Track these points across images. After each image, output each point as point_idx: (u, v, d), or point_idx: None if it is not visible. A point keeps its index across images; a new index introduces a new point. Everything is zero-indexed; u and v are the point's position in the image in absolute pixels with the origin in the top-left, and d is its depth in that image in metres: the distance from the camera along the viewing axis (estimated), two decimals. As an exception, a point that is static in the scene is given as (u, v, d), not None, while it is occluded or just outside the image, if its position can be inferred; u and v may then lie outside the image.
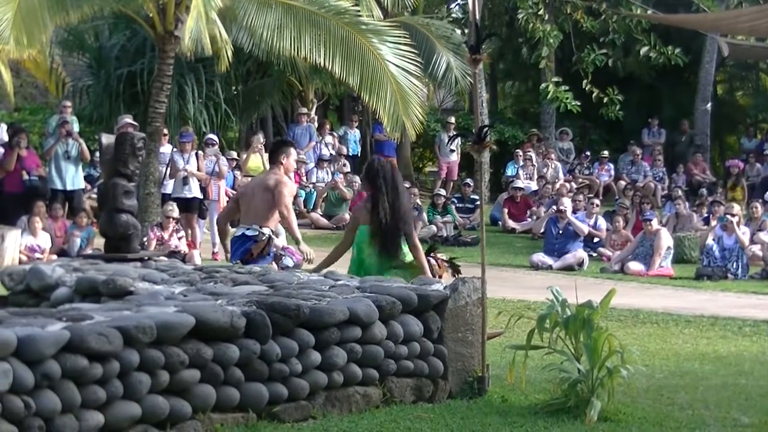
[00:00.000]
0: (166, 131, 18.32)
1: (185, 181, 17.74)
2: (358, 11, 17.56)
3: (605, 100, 26.38)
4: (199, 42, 15.28)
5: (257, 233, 10.05)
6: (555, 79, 26.46)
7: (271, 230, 10.17)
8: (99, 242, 13.70)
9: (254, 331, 6.12)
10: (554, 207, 19.75)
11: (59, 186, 18.32)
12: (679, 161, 27.48)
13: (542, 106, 28.73)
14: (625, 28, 27.36)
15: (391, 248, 9.21)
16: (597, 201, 20.88)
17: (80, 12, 16.05)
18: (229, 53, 16.44)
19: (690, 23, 24.52)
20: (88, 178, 20.26)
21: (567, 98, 25.51)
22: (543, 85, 26.43)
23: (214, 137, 19.49)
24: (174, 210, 16.62)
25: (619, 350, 6.94)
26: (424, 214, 21.18)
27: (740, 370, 9.52)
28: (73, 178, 18.50)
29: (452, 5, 34.28)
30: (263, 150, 19.48)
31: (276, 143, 11.80)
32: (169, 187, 18.03)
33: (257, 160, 19.01)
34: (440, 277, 9.36)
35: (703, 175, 26.75)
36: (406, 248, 9.27)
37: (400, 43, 16.98)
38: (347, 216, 19.50)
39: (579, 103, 25.62)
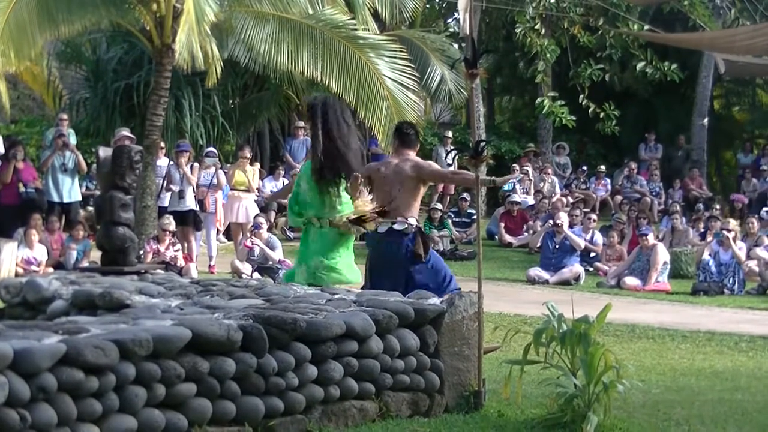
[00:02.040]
0: (163, 144, 18.33)
1: (181, 194, 17.73)
2: (355, 25, 17.60)
3: (601, 115, 26.45)
4: (191, 55, 15.26)
5: (406, 226, 9.25)
6: (551, 93, 26.52)
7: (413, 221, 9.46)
8: (95, 255, 13.69)
9: (251, 344, 6.11)
10: (551, 221, 19.77)
11: (56, 198, 18.32)
12: (676, 176, 27.50)
13: (539, 121, 28.80)
14: (622, 43, 27.44)
15: (323, 184, 9.27)
16: (593, 216, 20.90)
17: (71, 27, 16.05)
18: (218, 69, 16.43)
19: (687, 42, 24.61)
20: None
21: (562, 113, 25.57)
22: (539, 99, 26.50)
23: (214, 150, 19.50)
24: (170, 223, 16.61)
25: (615, 365, 6.94)
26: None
27: (736, 386, 9.51)
28: (70, 190, 18.51)
29: (450, 20, 34.37)
30: (248, 164, 19.46)
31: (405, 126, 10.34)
32: (166, 200, 18.03)
33: (242, 175, 19.01)
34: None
35: (700, 190, 26.79)
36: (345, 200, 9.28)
37: (396, 58, 17.01)
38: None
39: (574, 118, 25.68)
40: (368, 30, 18.72)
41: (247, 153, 19.76)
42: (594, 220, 20.39)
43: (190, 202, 17.78)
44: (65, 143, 18.36)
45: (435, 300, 7.56)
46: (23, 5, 14.85)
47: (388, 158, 9.94)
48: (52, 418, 5.15)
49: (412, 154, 9.52)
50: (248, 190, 19.04)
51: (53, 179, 18.32)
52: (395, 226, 9.20)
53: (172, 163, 18.16)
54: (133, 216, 9.44)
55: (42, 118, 25.76)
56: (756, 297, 17.15)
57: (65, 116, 19.54)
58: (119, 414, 5.51)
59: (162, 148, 18.16)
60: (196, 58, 15.27)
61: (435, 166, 9.93)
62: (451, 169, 10.23)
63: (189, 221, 17.69)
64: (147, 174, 16.50)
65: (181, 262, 16.29)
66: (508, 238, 22.65)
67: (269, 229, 18.18)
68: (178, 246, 16.61)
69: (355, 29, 17.37)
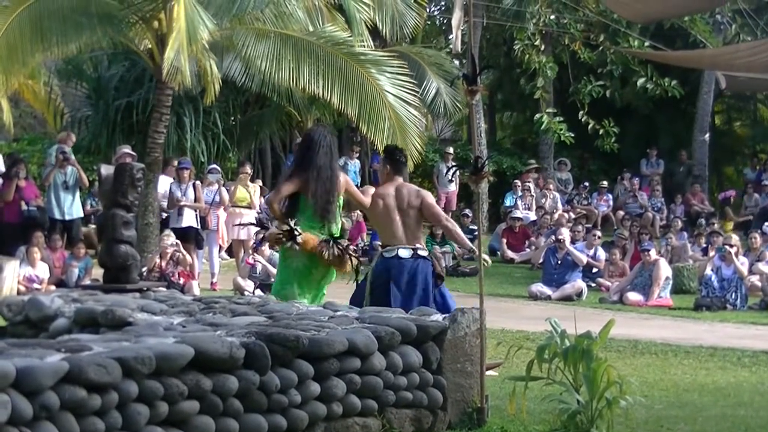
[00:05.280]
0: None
1: (179, 211, 17.75)
2: (353, 41, 17.59)
3: (601, 131, 26.47)
4: (180, 72, 15.21)
5: (426, 253, 9.90)
6: (549, 109, 26.56)
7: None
8: (97, 272, 13.68)
9: (253, 362, 6.10)
10: (553, 237, 19.76)
11: (58, 215, 18.30)
12: (678, 191, 27.52)
13: (540, 137, 28.81)
14: (623, 59, 27.49)
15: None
16: (598, 232, 20.82)
17: (66, 48, 16.05)
18: (217, 87, 16.45)
19: (688, 61, 24.66)
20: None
21: (561, 129, 25.61)
22: (537, 115, 26.53)
23: (217, 167, 19.53)
24: (170, 236, 16.63)
25: (618, 381, 6.93)
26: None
27: (739, 401, 9.50)
28: (71, 206, 18.49)
29: (450, 36, 34.40)
30: (249, 180, 19.48)
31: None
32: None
33: (243, 191, 19.02)
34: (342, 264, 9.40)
35: (702, 206, 26.77)
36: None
37: (398, 74, 17.01)
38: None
39: (573, 135, 25.73)
40: (364, 45, 18.72)
41: (248, 169, 19.77)
42: (599, 237, 20.36)
43: (188, 219, 17.78)
44: (66, 158, 18.35)
45: (437, 317, 7.55)
46: (16, 28, 14.83)
47: (383, 187, 10.08)
48: (55, 436, 5.15)
49: (401, 180, 9.96)
50: (249, 207, 19.03)
51: (55, 196, 18.30)
52: (420, 252, 9.70)
53: (173, 180, 18.16)
54: (135, 233, 9.42)
55: (44, 136, 25.78)
56: (758, 312, 17.15)
57: (73, 136, 19.62)
58: (122, 432, 5.51)
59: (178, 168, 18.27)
60: (184, 76, 15.25)
61: (437, 208, 10.22)
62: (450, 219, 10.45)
63: (190, 238, 17.69)
64: (149, 191, 16.51)
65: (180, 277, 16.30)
66: (510, 254, 22.65)
67: (271, 246, 18.18)
68: (179, 256, 16.54)
69: (362, 45, 17.40)
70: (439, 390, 7.24)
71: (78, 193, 18.83)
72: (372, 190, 10.07)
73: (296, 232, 9.23)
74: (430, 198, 10.06)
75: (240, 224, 17.77)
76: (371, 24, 20.49)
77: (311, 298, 9.38)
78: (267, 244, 16.83)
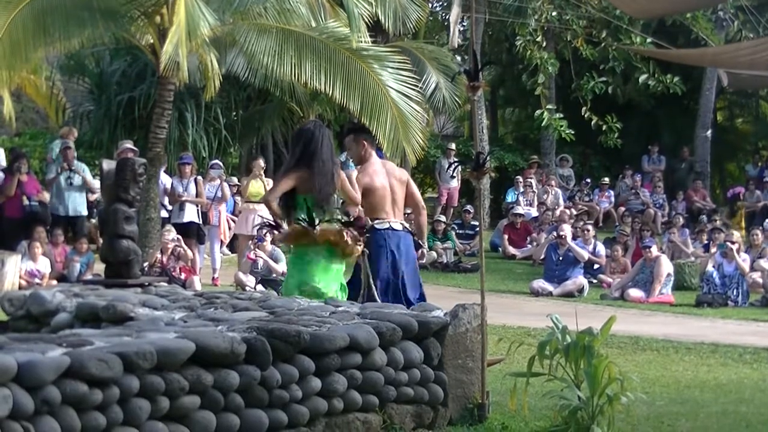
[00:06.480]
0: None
1: (181, 206, 17.75)
2: (358, 37, 17.58)
3: (604, 127, 26.48)
4: (178, 66, 15.19)
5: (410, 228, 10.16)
6: (549, 106, 26.56)
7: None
8: (99, 267, 13.68)
9: (254, 357, 6.10)
10: (554, 233, 19.75)
11: (61, 212, 18.31)
12: (679, 188, 27.51)
13: (542, 133, 28.82)
14: (625, 55, 27.49)
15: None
16: (590, 227, 20.67)
17: (68, 43, 16.05)
18: (218, 82, 16.44)
19: (690, 59, 24.65)
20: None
21: (561, 126, 25.61)
22: (538, 111, 26.53)
23: (219, 162, 19.51)
24: (171, 231, 16.64)
25: (619, 377, 6.92)
26: (424, 241, 21.11)
27: (741, 398, 9.49)
28: (76, 204, 18.48)
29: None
30: (263, 175, 19.43)
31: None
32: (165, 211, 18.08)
33: (258, 185, 18.98)
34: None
35: (703, 202, 26.77)
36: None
37: (400, 69, 17.00)
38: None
39: (573, 131, 25.73)
40: (362, 42, 18.73)
41: (263, 163, 19.70)
42: (589, 231, 20.25)
43: (189, 215, 17.78)
44: (70, 163, 18.29)
45: (438, 312, 7.55)
46: (18, 23, 14.83)
47: (371, 168, 10.10)
48: (56, 431, 5.14)
49: (376, 155, 10.30)
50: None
51: (59, 194, 18.30)
52: (406, 226, 9.99)
53: (174, 175, 18.16)
54: (137, 228, 9.42)
55: (46, 131, 25.81)
56: (760, 309, 17.13)
57: (75, 131, 19.62)
58: (123, 427, 5.49)
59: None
60: (183, 70, 15.25)
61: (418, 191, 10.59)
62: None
63: (192, 234, 17.69)
64: (150, 186, 16.51)
65: (182, 273, 16.32)
66: (511, 250, 22.65)
67: (273, 242, 18.18)
68: (180, 251, 16.55)
69: (359, 41, 17.38)
70: (440, 386, 7.24)
71: (84, 191, 18.81)
72: (355, 173, 9.99)
73: (314, 219, 8.98)
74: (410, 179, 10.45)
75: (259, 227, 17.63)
76: (373, 19, 20.49)
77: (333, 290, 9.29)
78: (269, 239, 16.87)
